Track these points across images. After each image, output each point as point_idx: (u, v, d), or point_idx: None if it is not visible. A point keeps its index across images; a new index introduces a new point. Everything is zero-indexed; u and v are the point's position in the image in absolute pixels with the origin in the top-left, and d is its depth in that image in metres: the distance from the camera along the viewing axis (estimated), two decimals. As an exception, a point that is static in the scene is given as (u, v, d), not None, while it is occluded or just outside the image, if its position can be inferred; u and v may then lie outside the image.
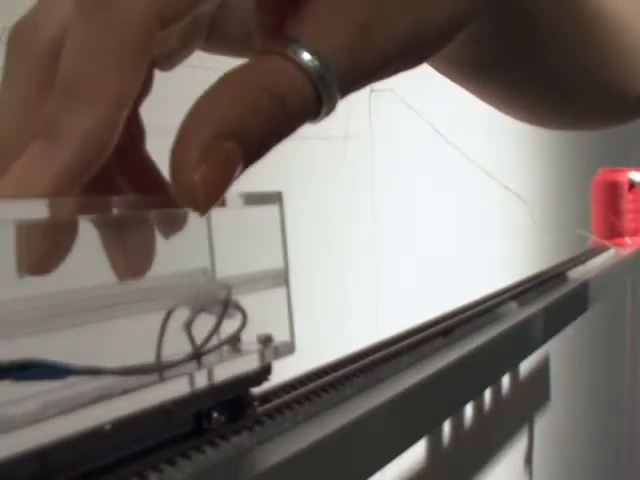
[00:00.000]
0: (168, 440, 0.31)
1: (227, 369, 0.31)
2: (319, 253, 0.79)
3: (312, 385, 0.44)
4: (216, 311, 0.31)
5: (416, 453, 0.98)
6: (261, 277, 0.32)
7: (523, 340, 0.77)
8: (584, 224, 1.45)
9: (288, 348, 0.33)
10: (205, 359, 0.30)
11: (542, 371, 1.52)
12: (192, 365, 0.30)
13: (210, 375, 0.30)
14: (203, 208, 0.23)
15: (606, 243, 1.35)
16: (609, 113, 0.38)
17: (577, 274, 1.07)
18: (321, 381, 0.46)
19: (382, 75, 0.26)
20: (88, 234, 0.26)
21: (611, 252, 1.32)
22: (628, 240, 1.39)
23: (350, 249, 0.86)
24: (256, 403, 0.35)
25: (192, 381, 0.29)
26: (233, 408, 0.33)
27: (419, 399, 0.51)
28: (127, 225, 0.27)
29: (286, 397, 0.42)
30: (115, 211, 0.25)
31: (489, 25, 0.29)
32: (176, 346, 0.29)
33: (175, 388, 0.29)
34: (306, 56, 0.24)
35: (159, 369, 0.28)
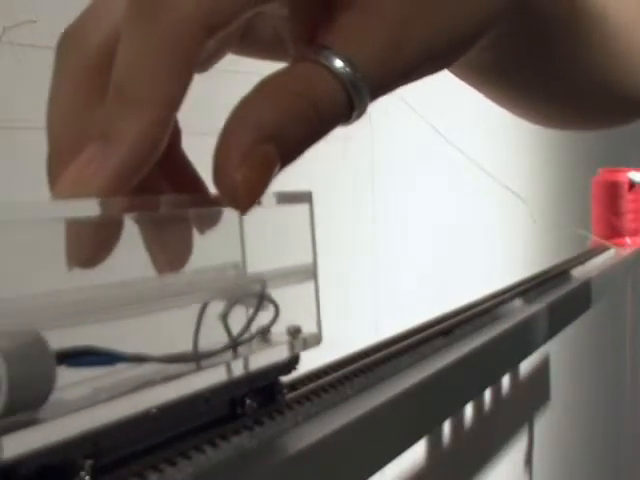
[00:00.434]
0: (206, 424, 0.32)
1: (259, 358, 0.33)
2: (319, 253, 0.79)
3: (312, 385, 0.44)
4: (249, 303, 0.32)
5: (416, 453, 0.98)
6: (291, 272, 0.34)
7: (524, 339, 0.77)
8: (584, 224, 1.45)
9: (316, 339, 0.35)
10: (240, 349, 0.32)
11: (542, 371, 1.52)
12: (228, 354, 0.31)
13: (245, 364, 0.32)
14: (244, 207, 0.24)
15: (606, 243, 1.35)
16: (614, 113, 0.39)
17: (577, 274, 1.07)
18: (321, 381, 0.46)
19: (411, 79, 0.27)
20: (131, 231, 0.27)
21: (611, 252, 1.32)
22: (628, 240, 1.39)
23: (350, 249, 0.86)
24: (285, 390, 0.36)
25: (228, 369, 0.31)
26: (265, 395, 0.35)
27: (419, 399, 0.51)
28: (166, 223, 0.28)
29: (286, 397, 0.42)
30: (159, 210, 0.27)
31: (508, 28, 0.29)
32: (212, 336, 0.31)
33: (212, 376, 0.31)
34: (339, 63, 0.25)
35: (197, 358, 0.30)
